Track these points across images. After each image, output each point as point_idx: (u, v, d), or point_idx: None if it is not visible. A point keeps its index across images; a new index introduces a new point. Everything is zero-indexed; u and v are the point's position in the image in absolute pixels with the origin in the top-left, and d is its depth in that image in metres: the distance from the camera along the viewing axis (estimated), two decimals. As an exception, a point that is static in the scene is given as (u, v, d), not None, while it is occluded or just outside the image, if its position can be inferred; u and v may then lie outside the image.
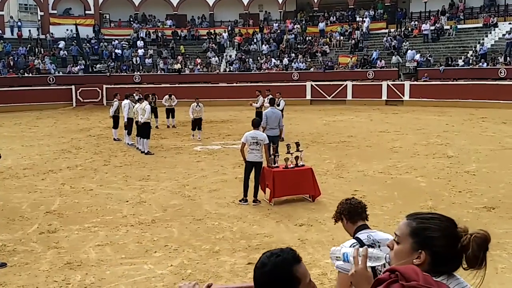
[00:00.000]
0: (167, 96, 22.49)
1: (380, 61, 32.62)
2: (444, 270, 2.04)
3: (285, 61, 34.27)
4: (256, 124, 10.91)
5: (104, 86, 31.32)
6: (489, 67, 29.05)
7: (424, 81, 29.99)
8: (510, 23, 31.21)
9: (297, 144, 11.16)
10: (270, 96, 15.66)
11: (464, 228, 2.06)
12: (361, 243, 3.69)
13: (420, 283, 1.84)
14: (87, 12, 37.39)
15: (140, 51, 35.55)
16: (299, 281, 2.08)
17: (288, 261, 2.08)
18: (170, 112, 22.36)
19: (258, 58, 35.47)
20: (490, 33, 31.77)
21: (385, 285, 1.89)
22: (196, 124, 18.97)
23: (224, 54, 36.74)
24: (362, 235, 3.86)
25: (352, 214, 3.98)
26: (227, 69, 34.90)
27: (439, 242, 2.01)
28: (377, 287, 1.92)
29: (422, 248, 2.02)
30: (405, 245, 2.07)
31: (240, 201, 10.67)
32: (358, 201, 4.08)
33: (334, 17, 38.50)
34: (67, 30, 35.87)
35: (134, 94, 19.46)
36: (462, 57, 30.75)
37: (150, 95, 19.24)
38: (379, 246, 3.68)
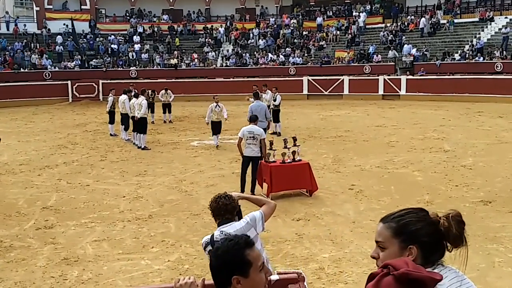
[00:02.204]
0: (163, 91, 22.45)
1: (377, 55, 32.62)
2: (435, 259, 2.05)
3: (281, 57, 34.19)
4: (253, 119, 10.90)
5: (100, 81, 31.23)
6: (485, 61, 29.07)
7: (420, 75, 30.00)
8: (506, 17, 31.21)
9: (294, 139, 11.16)
10: (255, 91, 15.58)
11: (434, 213, 2.09)
12: (211, 240, 4.15)
13: (409, 269, 1.86)
14: (83, 7, 37.25)
15: (136, 46, 35.45)
16: (251, 264, 2.18)
17: (240, 245, 2.20)
18: (167, 107, 22.32)
19: (255, 53, 35.42)
20: (487, 27, 31.76)
21: (377, 278, 1.91)
22: (216, 128, 16.54)
23: (221, 49, 36.66)
24: (217, 231, 4.22)
25: (215, 213, 4.31)
26: (224, 64, 34.84)
27: (424, 231, 2.03)
28: (370, 281, 1.93)
29: (411, 244, 2.03)
30: (392, 247, 2.06)
31: None
32: (226, 202, 4.28)
33: (331, 11, 38.45)
34: (64, 24, 35.71)
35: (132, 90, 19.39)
36: (459, 51, 30.76)
37: (148, 91, 19.18)
38: None
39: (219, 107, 16.55)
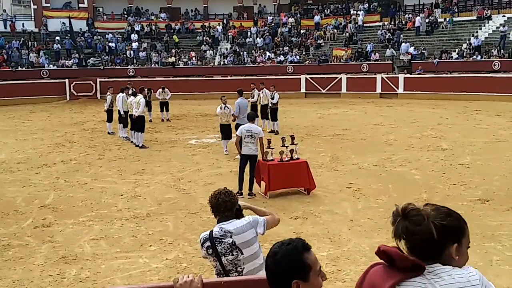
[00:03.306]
0: (160, 90, 22.46)
1: (375, 54, 32.63)
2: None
3: (281, 57, 34.16)
4: (251, 118, 10.91)
5: (98, 80, 31.17)
6: (483, 59, 29.09)
7: (418, 74, 30.02)
8: (504, 16, 31.26)
9: (292, 137, 11.18)
10: (239, 88, 15.58)
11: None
12: (210, 236, 4.11)
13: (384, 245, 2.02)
14: (80, 5, 37.17)
15: (134, 45, 35.41)
16: (310, 268, 2.16)
17: (298, 249, 2.17)
18: (164, 105, 22.32)
19: (253, 51, 35.40)
20: (484, 25, 31.80)
21: (366, 269, 2.10)
22: (226, 131, 15.15)
23: (219, 47, 36.64)
24: (216, 227, 4.17)
25: (215, 209, 4.26)
26: (222, 62, 34.82)
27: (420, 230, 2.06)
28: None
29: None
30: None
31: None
32: (225, 199, 4.22)
33: (328, 10, 38.46)
34: (63, 23, 35.65)
35: (129, 88, 19.36)
36: (456, 49, 30.79)
37: (145, 89, 19.13)
38: (230, 236, 4.06)
39: (228, 108, 14.97)
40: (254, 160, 10.64)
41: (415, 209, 2.04)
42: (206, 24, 38.22)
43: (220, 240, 4.09)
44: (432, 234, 1.98)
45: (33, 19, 36.09)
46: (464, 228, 2.08)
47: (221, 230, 4.13)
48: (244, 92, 15.62)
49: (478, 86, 27.13)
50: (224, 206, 4.21)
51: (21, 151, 15.90)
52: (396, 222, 2.06)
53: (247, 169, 10.73)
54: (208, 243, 4.13)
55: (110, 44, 35.38)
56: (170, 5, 38.99)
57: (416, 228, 2.00)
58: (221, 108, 14.92)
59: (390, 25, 35.05)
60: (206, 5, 39.38)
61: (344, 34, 35.79)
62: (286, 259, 2.15)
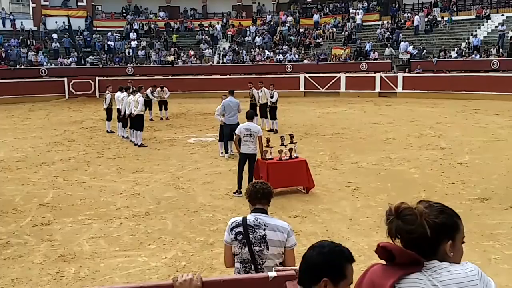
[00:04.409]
0: (159, 89, 22.45)
1: (374, 53, 32.64)
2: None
3: (280, 56, 34.16)
4: (250, 116, 10.92)
5: (97, 78, 31.14)
6: (482, 59, 29.08)
7: (417, 73, 30.02)
8: (503, 15, 31.26)
9: (291, 136, 11.18)
10: (231, 89, 15.50)
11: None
12: (244, 222, 4.12)
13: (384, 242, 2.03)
14: (79, 3, 37.13)
15: (133, 43, 35.39)
16: (345, 277, 2.19)
17: (345, 254, 2.22)
18: (163, 104, 22.33)
19: (252, 50, 35.39)
20: (483, 25, 31.81)
21: (365, 271, 2.13)
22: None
23: (218, 46, 36.63)
24: (251, 216, 4.19)
25: (252, 197, 4.26)
26: (221, 61, 34.81)
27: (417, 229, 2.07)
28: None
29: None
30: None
31: (234, 193, 10.67)
32: (263, 187, 4.28)
33: (327, 9, 38.45)
34: (63, 22, 35.61)
35: (129, 87, 19.34)
36: (455, 49, 30.78)
37: (149, 88, 19.19)
38: (264, 229, 4.10)
39: None
40: (253, 159, 10.65)
41: (408, 208, 2.06)
42: (205, 22, 38.19)
43: (253, 229, 4.12)
44: (426, 233, 2.00)
45: (31, 18, 36.05)
46: (458, 224, 2.09)
47: (256, 220, 4.15)
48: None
49: (477, 85, 27.14)
50: (262, 192, 4.23)
51: (19, 150, 15.88)
52: (389, 221, 2.08)
53: (246, 168, 10.74)
54: (240, 229, 4.13)
55: (109, 42, 35.35)
56: (169, 4, 38.96)
57: (409, 227, 2.02)
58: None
59: (389, 24, 35.05)
60: (205, 4, 39.36)
61: (343, 33, 35.78)
62: (331, 255, 2.19)
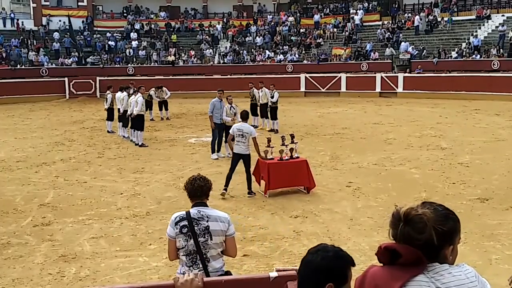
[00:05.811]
0: (154, 88, 22.40)
1: (374, 53, 32.63)
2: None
3: (280, 57, 34.15)
4: (244, 117, 10.99)
5: (98, 78, 31.16)
6: (482, 59, 29.08)
7: (417, 73, 30.02)
8: (503, 15, 31.24)
9: (292, 136, 11.19)
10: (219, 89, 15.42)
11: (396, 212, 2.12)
12: (188, 216, 4.38)
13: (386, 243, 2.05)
14: (80, 3, 37.14)
15: (134, 43, 35.40)
16: (347, 281, 2.21)
17: (348, 258, 2.24)
18: (163, 104, 22.33)
19: (252, 50, 35.39)
20: (483, 25, 31.80)
21: (363, 273, 2.15)
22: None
23: (218, 46, 36.64)
24: (193, 209, 4.44)
25: (191, 194, 4.54)
26: (221, 61, 34.81)
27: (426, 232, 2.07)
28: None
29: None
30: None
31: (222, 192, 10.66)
32: (201, 184, 4.53)
33: (328, 9, 38.45)
34: (64, 22, 35.62)
35: (131, 87, 19.33)
36: (456, 49, 30.78)
37: (153, 88, 19.19)
38: (207, 221, 4.35)
39: (234, 108, 14.48)
40: (247, 160, 10.66)
41: (418, 216, 2.04)
42: (206, 23, 38.19)
43: (197, 222, 4.35)
44: (433, 240, 2.01)
45: (32, 18, 36.06)
46: (459, 227, 2.11)
47: (199, 212, 4.40)
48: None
49: (477, 86, 27.14)
50: (200, 190, 4.49)
51: (20, 150, 15.88)
52: (396, 226, 2.07)
53: (240, 167, 10.72)
54: (184, 222, 4.37)
55: (109, 42, 35.36)
56: (169, 4, 38.96)
57: (418, 236, 2.02)
58: (226, 108, 14.46)
59: (390, 24, 35.04)
60: (205, 4, 39.36)
61: (343, 33, 35.78)
62: (335, 261, 2.19)
